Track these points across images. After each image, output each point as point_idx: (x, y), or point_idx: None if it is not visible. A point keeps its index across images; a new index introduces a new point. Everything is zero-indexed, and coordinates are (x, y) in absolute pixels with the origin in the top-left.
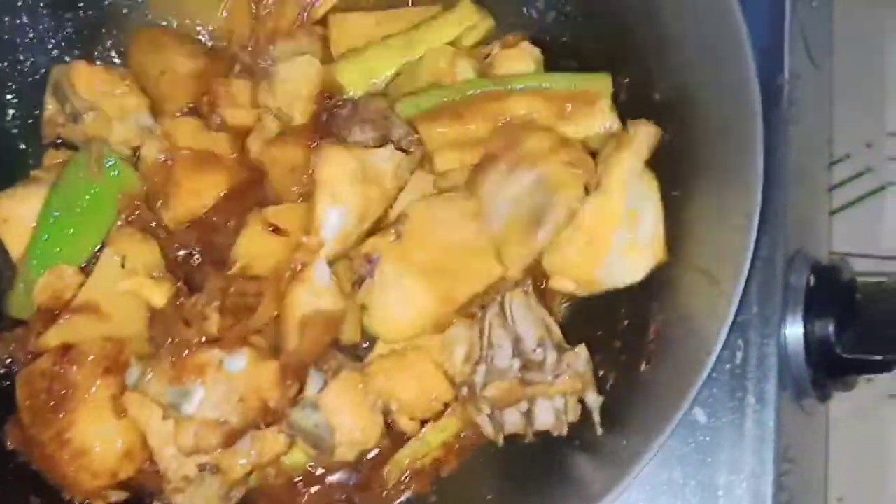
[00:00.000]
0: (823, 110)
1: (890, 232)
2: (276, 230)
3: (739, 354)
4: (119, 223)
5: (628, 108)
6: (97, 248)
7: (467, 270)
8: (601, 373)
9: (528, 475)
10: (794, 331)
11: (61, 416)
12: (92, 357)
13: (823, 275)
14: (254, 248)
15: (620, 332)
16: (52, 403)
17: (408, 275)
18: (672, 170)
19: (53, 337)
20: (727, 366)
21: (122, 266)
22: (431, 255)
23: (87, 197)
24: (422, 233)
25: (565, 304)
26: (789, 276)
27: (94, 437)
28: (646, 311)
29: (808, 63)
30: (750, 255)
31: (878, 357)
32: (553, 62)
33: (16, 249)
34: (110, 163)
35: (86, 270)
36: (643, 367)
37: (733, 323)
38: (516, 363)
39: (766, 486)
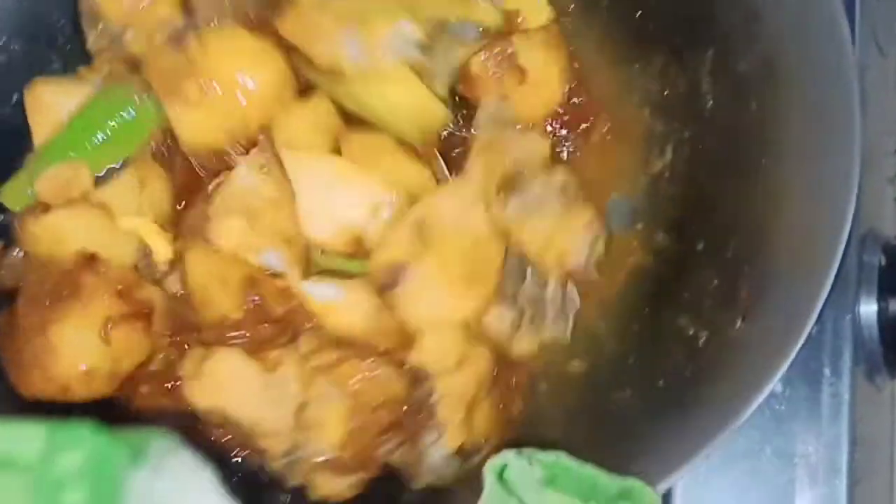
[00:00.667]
0: (890, 98)
1: None
2: None
3: (815, 328)
4: (143, 152)
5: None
6: (116, 165)
7: (485, 258)
8: (692, 331)
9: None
10: (867, 308)
11: (53, 308)
12: (112, 275)
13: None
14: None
15: (711, 292)
16: (51, 297)
17: (438, 279)
18: (761, 138)
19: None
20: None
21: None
22: (454, 253)
23: (126, 114)
24: (441, 232)
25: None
26: (862, 255)
27: (69, 344)
28: (737, 273)
29: (875, 52)
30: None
31: None
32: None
33: (39, 138)
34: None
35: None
36: (738, 324)
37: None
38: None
39: (842, 455)
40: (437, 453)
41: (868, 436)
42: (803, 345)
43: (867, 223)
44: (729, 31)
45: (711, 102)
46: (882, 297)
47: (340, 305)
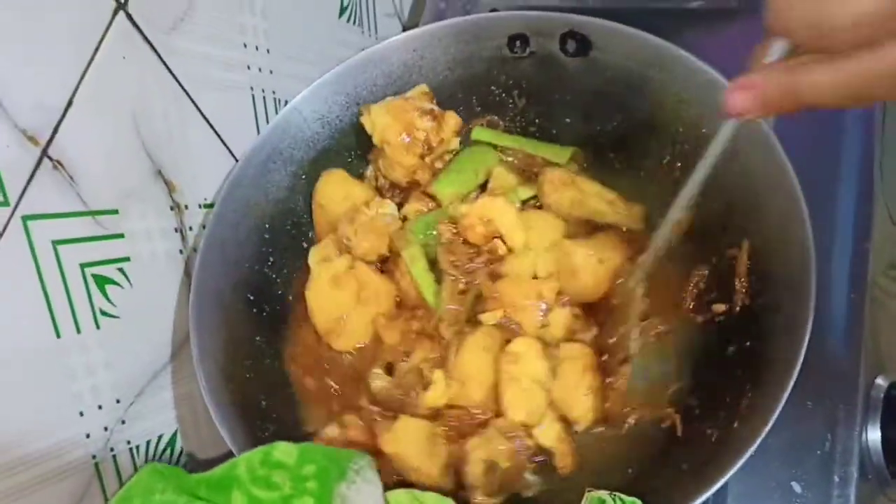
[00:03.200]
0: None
1: None
2: None
3: (828, 444)
4: None
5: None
6: None
7: None
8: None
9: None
10: (873, 433)
11: None
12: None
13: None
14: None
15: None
16: None
17: None
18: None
19: None
20: (818, 452)
21: None
22: None
23: None
24: None
25: None
26: (870, 390)
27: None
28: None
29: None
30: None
31: None
32: None
33: None
34: None
35: None
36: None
37: (823, 419)
38: None
39: None
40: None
41: None
42: (818, 457)
43: (879, 368)
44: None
45: None
46: (885, 425)
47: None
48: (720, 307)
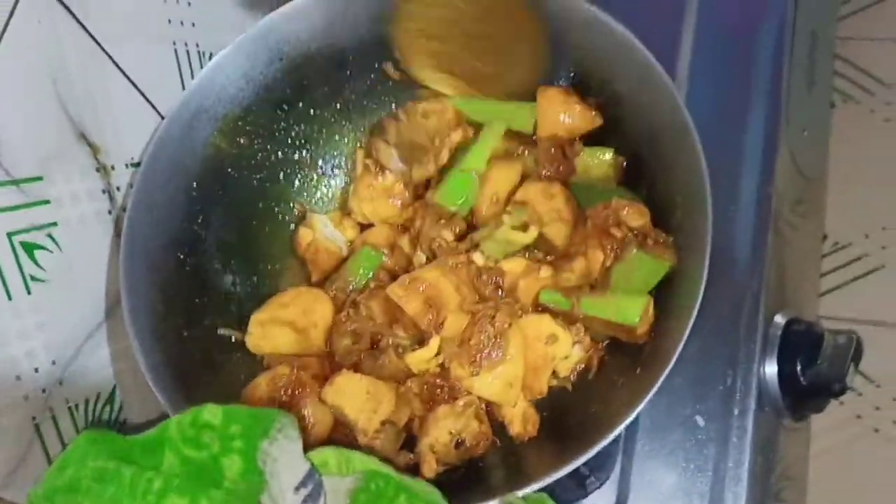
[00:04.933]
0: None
1: None
2: None
3: (729, 380)
4: None
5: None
6: None
7: None
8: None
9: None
10: (770, 367)
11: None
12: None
13: (797, 327)
14: None
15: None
16: None
17: None
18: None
19: None
20: (720, 387)
21: None
22: None
23: None
24: None
25: None
26: (769, 328)
27: None
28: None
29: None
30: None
31: (834, 386)
32: None
33: None
34: None
35: None
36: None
37: (724, 357)
38: None
39: (743, 473)
40: None
41: (794, 476)
42: (720, 392)
43: (779, 306)
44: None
45: None
46: (781, 359)
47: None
48: None
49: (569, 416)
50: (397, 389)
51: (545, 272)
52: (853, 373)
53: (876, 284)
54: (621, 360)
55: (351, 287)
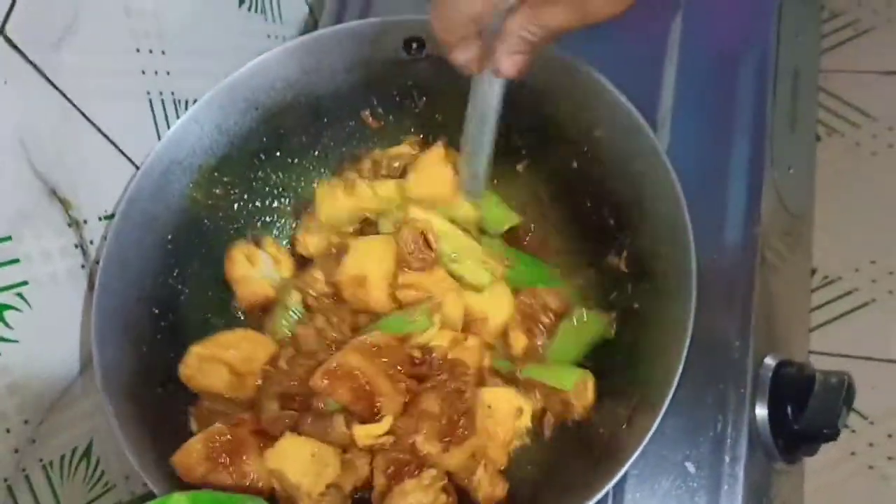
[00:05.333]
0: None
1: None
2: None
3: (719, 426)
4: None
5: None
6: None
7: None
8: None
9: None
10: (761, 411)
11: None
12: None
13: (787, 370)
14: None
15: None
16: None
17: None
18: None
19: None
20: (710, 433)
21: None
22: None
23: None
24: None
25: None
26: (759, 370)
27: None
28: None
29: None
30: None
31: (825, 430)
32: None
33: None
34: None
35: None
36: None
37: (714, 402)
38: None
39: None
40: None
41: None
42: (710, 438)
43: (768, 349)
44: None
45: None
46: (772, 403)
47: None
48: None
49: (553, 473)
50: (342, 455)
51: (472, 341)
52: (845, 415)
53: (866, 319)
54: (605, 415)
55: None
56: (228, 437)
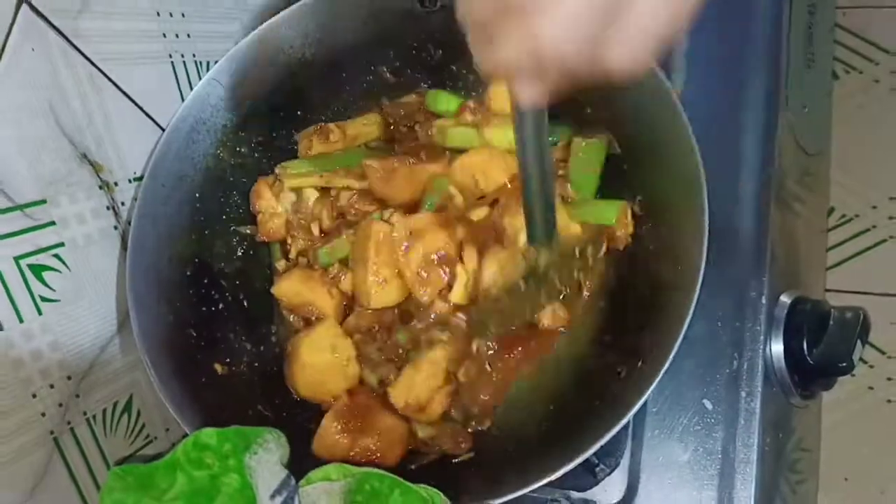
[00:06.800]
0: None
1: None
2: None
3: (735, 363)
4: None
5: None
6: None
7: None
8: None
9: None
10: (776, 347)
11: None
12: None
13: (802, 306)
14: None
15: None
16: None
17: None
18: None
19: None
20: (727, 370)
21: None
22: None
23: None
24: None
25: None
26: (774, 308)
27: None
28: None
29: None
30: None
31: (840, 364)
32: None
33: None
34: None
35: None
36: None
37: (729, 339)
38: None
39: (752, 454)
40: None
41: (810, 447)
42: (726, 375)
43: (785, 286)
44: None
45: None
46: (787, 338)
47: None
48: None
49: (573, 410)
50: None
51: None
52: (861, 349)
53: (884, 256)
54: (622, 353)
55: None
56: (352, 406)
